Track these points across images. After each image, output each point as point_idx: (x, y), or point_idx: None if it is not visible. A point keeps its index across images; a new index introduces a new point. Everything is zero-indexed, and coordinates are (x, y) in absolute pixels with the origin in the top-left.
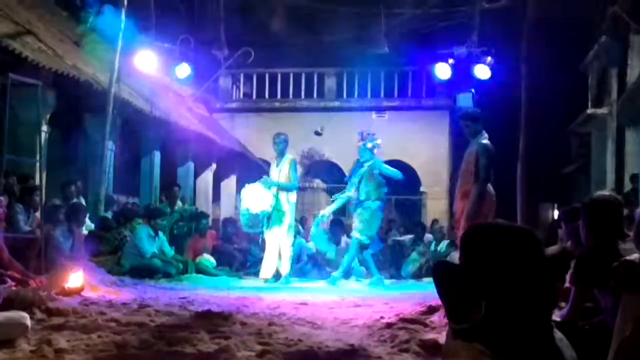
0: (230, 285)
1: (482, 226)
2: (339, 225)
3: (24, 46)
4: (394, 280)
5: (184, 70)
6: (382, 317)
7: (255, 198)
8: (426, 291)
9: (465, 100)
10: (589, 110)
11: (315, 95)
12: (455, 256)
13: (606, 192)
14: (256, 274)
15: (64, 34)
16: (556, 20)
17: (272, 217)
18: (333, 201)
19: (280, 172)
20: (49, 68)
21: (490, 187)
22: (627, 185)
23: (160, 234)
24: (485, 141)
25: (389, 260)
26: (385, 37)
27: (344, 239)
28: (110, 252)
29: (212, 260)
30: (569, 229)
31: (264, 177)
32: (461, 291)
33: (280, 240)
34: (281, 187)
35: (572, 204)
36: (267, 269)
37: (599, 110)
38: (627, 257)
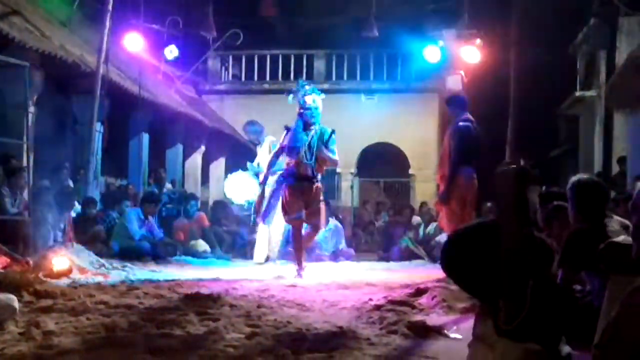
0: (219, 267)
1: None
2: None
3: (11, 27)
4: (383, 263)
5: (172, 51)
6: (370, 299)
7: (238, 188)
8: (414, 273)
9: (454, 82)
10: (578, 93)
11: (304, 77)
12: (442, 238)
13: (584, 175)
14: (245, 256)
15: (52, 14)
16: (545, 3)
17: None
18: None
19: (263, 157)
20: (36, 49)
21: (467, 169)
22: (615, 168)
23: (150, 216)
24: (461, 123)
25: (378, 242)
26: (375, 20)
27: (331, 220)
28: (99, 234)
29: (205, 245)
30: (544, 213)
31: (248, 163)
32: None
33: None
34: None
35: (550, 188)
36: (259, 253)
37: (588, 93)
38: (614, 239)
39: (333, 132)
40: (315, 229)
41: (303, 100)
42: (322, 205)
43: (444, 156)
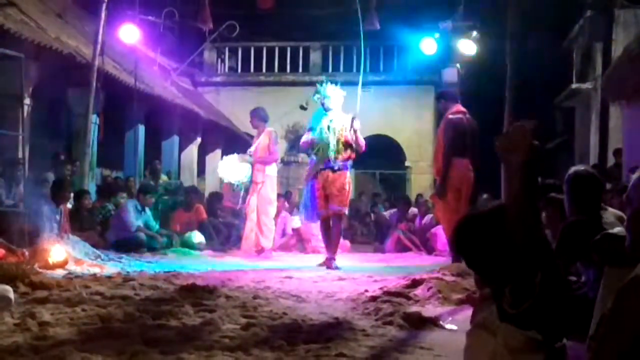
0: (214, 259)
1: (462, 223)
2: None
3: (6, 18)
4: (378, 254)
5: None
6: (366, 291)
7: (230, 168)
8: (409, 265)
9: (450, 75)
10: (574, 85)
11: (300, 69)
12: (438, 230)
13: (581, 167)
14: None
15: (47, 5)
16: None
17: (250, 189)
18: None
19: (259, 144)
20: (31, 40)
21: (462, 161)
22: (611, 160)
23: (147, 208)
24: (451, 116)
25: (374, 234)
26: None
27: None
28: (95, 226)
29: (201, 237)
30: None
31: (248, 151)
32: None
33: (259, 213)
34: (260, 161)
35: (546, 180)
36: (248, 242)
37: (584, 85)
38: (610, 230)
39: (354, 118)
40: (336, 215)
41: (324, 91)
42: (346, 188)
43: (437, 150)
